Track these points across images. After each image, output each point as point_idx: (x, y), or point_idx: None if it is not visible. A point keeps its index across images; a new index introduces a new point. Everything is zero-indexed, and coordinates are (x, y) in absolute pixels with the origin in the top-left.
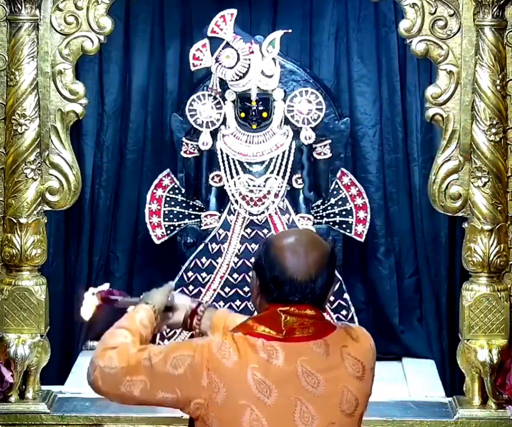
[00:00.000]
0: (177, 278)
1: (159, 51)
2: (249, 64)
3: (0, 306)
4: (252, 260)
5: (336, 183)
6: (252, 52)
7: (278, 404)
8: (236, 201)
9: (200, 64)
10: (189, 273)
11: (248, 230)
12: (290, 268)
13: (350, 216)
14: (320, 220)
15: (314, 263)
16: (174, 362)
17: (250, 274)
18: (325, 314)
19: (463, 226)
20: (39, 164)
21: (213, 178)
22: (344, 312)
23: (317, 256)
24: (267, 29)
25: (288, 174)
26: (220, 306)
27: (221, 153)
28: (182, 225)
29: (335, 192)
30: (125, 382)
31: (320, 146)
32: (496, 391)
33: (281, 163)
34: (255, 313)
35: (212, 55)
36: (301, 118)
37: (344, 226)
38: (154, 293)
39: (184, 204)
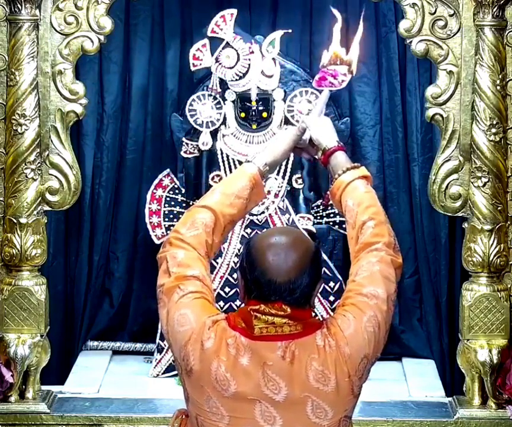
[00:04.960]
0: None
1: (159, 51)
2: (249, 64)
3: (0, 306)
4: None
5: None
6: (252, 52)
7: (236, 397)
8: None
9: (200, 64)
10: None
11: (248, 230)
12: (270, 270)
13: None
14: (320, 220)
15: (295, 265)
16: (181, 318)
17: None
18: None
19: (463, 226)
20: (39, 164)
21: (213, 178)
22: None
23: (297, 258)
24: (267, 30)
25: (288, 174)
26: (220, 306)
27: (221, 153)
28: None
29: None
30: (162, 283)
31: None
32: (496, 391)
33: (281, 163)
34: None
35: (212, 55)
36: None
37: (344, 226)
38: (275, 147)
39: (184, 204)
